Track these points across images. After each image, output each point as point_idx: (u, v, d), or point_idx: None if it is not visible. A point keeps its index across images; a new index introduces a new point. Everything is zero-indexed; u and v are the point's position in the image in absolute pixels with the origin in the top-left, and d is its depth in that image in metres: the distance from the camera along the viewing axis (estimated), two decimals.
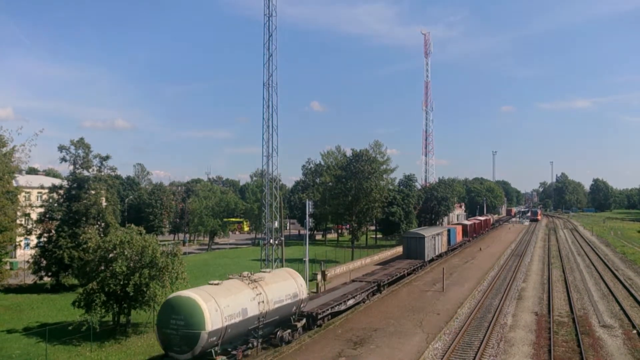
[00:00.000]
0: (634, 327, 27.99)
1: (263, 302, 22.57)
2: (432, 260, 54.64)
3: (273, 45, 37.89)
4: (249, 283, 22.75)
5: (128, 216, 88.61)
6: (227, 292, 20.99)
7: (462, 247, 73.22)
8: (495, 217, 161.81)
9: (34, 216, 44.89)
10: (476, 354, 22.88)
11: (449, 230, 65.25)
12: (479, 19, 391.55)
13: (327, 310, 28.83)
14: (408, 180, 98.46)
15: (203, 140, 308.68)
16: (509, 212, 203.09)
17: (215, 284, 21.56)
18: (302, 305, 26.23)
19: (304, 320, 26.60)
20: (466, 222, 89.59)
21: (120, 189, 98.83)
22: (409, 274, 45.46)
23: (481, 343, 24.57)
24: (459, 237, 71.89)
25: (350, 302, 32.09)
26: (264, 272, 25.48)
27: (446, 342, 25.40)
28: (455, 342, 24.87)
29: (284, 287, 24.78)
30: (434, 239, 55.32)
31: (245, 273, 23.93)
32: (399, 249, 64.27)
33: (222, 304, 20.03)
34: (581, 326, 28.04)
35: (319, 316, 27.74)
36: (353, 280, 38.38)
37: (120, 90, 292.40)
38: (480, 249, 71.93)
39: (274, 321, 23.79)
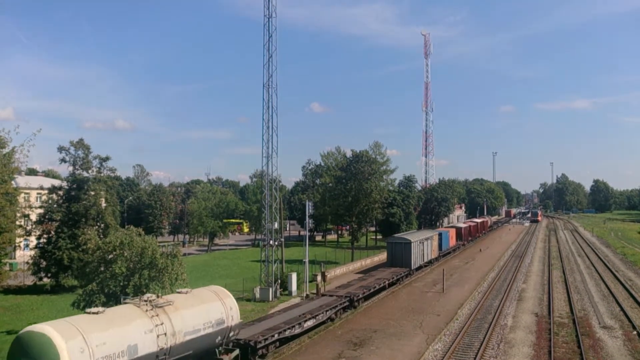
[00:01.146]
0: (634, 328, 27.95)
1: (165, 334, 17.40)
2: (419, 268, 49.87)
3: (273, 46, 37.85)
4: (147, 310, 17.55)
5: (127, 217, 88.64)
6: (106, 324, 15.89)
7: (456, 251, 68.35)
8: (494, 218, 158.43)
9: (33, 217, 44.89)
10: (476, 355, 22.85)
11: (440, 234, 60.20)
12: (479, 19, 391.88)
13: (273, 336, 23.24)
14: (408, 181, 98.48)
15: (203, 140, 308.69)
16: (507, 213, 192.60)
17: (94, 313, 16.45)
18: (231, 334, 20.88)
19: (236, 352, 20.96)
20: (460, 224, 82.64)
21: (120, 190, 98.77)
22: (391, 285, 40.70)
23: (481, 344, 24.54)
24: (452, 242, 66.66)
25: (309, 324, 26.57)
26: (180, 292, 20.41)
27: (446, 343, 25.36)
28: (456, 343, 24.83)
29: (203, 312, 19.48)
30: (422, 244, 50.15)
31: (147, 296, 18.67)
32: None
33: (93, 342, 14.89)
34: (581, 327, 28.00)
35: (260, 345, 22.20)
36: (323, 294, 34.03)
37: (120, 90, 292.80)
38: (480, 250, 71.86)
39: (187, 357, 18.64)
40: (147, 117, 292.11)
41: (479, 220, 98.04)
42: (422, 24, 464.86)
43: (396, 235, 53.30)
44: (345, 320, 30.39)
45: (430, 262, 54.14)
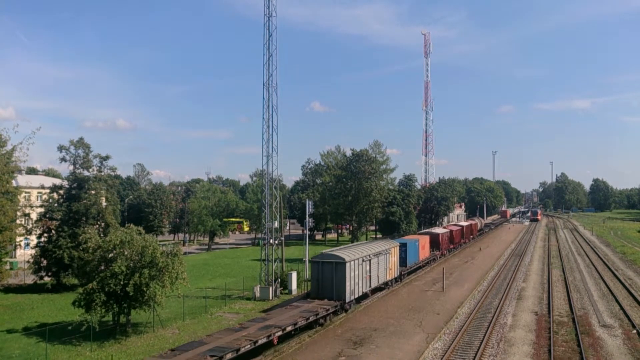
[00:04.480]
0: (633, 326, 27.99)
1: None
2: (363, 297, 34.94)
3: (273, 45, 37.89)
4: None
5: (128, 216, 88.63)
6: None
7: (430, 264, 53.03)
8: (489, 219, 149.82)
9: (34, 216, 44.92)
10: (476, 354, 22.89)
11: (403, 245, 45.15)
12: (479, 19, 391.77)
13: None
14: (408, 180, 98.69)
15: (203, 140, 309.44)
16: (503, 213, 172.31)
17: None
18: None
19: None
20: (438, 230, 64.80)
21: (120, 189, 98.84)
22: (283, 341, 24.86)
23: (481, 343, 24.58)
24: (423, 253, 51.61)
25: None
26: None
27: (446, 342, 25.41)
28: (455, 342, 24.87)
29: None
30: (368, 262, 35.14)
31: None
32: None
33: None
34: (581, 326, 28.05)
35: None
36: None
37: (121, 90, 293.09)
38: (480, 248, 71.83)
39: None
40: (148, 116, 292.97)
41: (464, 224, 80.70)
42: (421, 24, 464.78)
43: (326, 251, 34.44)
44: (345, 319, 30.45)
45: (386, 285, 39.63)
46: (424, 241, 52.84)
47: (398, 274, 42.43)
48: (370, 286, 35.87)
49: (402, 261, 44.40)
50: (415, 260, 48.57)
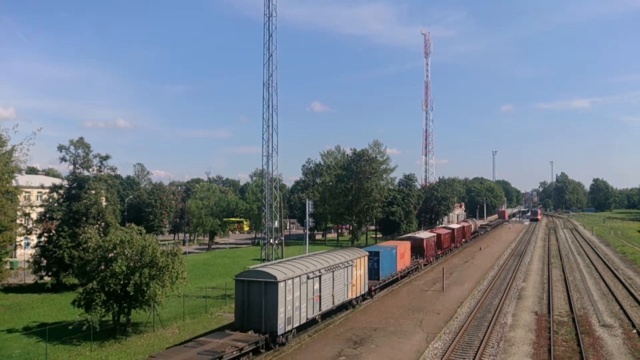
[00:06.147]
0: (633, 326, 27.99)
1: None
2: (308, 324, 27.35)
3: (273, 45, 37.93)
4: None
5: (128, 216, 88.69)
6: None
7: (410, 275, 45.93)
8: (486, 220, 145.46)
9: (34, 216, 44.94)
10: (476, 354, 22.89)
11: (374, 255, 37.99)
12: (479, 19, 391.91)
13: None
14: (408, 180, 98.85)
15: (203, 139, 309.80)
16: (501, 214, 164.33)
17: None
18: None
19: None
20: (422, 235, 55.36)
21: (120, 189, 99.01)
22: None
23: (481, 342, 24.58)
24: (403, 262, 44.05)
25: None
26: None
27: (446, 341, 25.41)
28: (455, 342, 24.87)
29: None
30: (317, 280, 27.85)
31: None
32: None
33: None
34: (581, 326, 28.04)
35: None
36: None
37: (121, 90, 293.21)
38: (480, 248, 71.80)
39: None
40: (148, 116, 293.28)
41: (455, 226, 72.43)
42: (422, 23, 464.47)
43: (255, 267, 27.02)
44: (345, 318, 30.45)
45: (350, 304, 32.58)
46: (404, 248, 44.87)
47: (366, 290, 34.92)
48: (320, 310, 28.23)
49: (374, 273, 37.53)
50: (392, 272, 41.08)
